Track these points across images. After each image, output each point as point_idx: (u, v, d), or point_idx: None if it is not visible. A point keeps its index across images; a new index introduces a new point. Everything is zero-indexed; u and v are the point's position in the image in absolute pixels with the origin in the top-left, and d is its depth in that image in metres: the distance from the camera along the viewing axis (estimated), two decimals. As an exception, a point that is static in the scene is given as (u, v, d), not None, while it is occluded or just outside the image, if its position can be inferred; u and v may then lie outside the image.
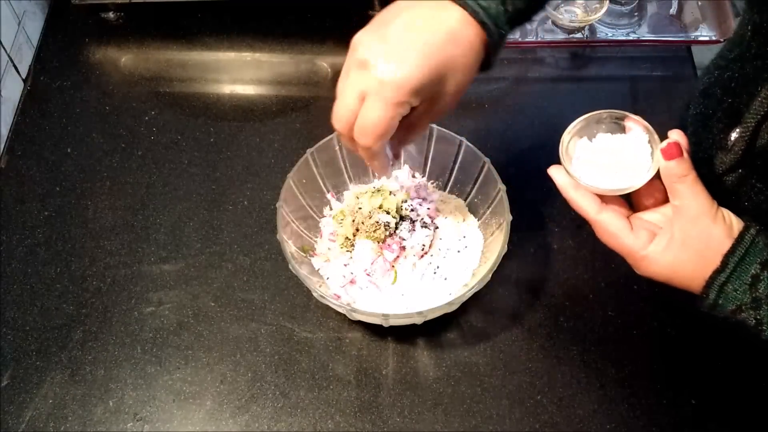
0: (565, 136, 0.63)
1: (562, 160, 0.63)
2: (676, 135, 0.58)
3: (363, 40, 0.57)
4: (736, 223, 0.58)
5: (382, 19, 0.58)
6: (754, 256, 0.56)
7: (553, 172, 0.63)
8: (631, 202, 0.63)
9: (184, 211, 0.87)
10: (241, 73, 0.99)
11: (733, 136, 0.65)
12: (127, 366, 0.77)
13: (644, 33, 0.98)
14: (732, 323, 0.59)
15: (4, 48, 0.92)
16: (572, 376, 0.76)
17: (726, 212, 0.58)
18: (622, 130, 0.63)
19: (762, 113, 0.60)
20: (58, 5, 1.04)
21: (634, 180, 0.60)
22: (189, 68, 1.00)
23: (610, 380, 0.76)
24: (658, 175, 0.59)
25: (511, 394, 0.75)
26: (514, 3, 0.57)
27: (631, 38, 0.98)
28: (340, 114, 0.59)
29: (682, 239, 0.58)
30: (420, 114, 0.59)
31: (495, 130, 0.93)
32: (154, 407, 0.75)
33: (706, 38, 0.96)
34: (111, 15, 1.03)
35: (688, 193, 0.57)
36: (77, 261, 0.84)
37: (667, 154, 0.57)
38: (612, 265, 0.82)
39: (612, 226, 0.60)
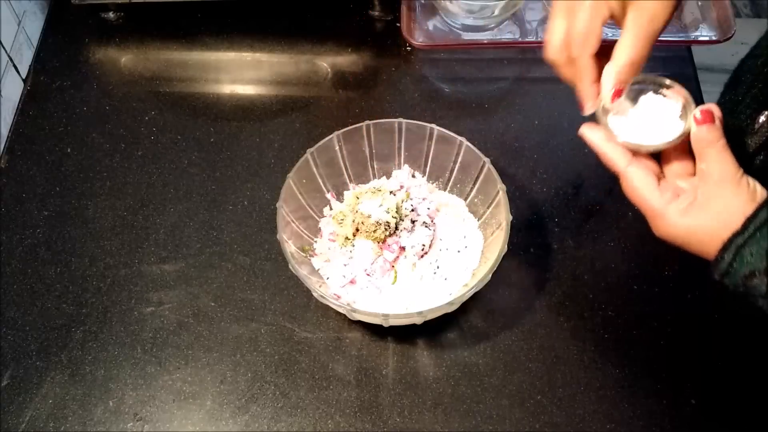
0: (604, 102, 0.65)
1: (598, 114, 0.64)
2: (710, 105, 0.59)
3: None
4: (761, 190, 0.58)
5: None
6: None
7: (586, 130, 0.64)
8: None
9: (184, 211, 0.87)
10: (241, 73, 0.99)
11: (761, 119, 0.65)
12: (127, 366, 0.77)
13: (644, 33, 0.98)
14: (740, 293, 0.58)
15: (4, 48, 0.92)
16: (572, 376, 0.76)
17: (751, 180, 0.59)
18: (661, 94, 0.64)
19: None
20: (58, 5, 1.04)
21: (667, 136, 0.61)
22: (189, 68, 1.00)
23: (610, 380, 0.76)
24: (689, 145, 0.60)
25: (511, 394, 0.75)
26: None
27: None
28: (554, 36, 0.62)
29: (703, 202, 0.58)
30: (627, 31, 0.60)
31: (495, 130, 0.93)
32: (154, 407, 0.75)
33: (706, 38, 0.96)
34: (111, 15, 1.03)
35: (715, 156, 0.58)
36: (77, 261, 0.84)
37: (700, 120, 0.58)
38: (612, 265, 0.82)
39: (638, 180, 0.61)
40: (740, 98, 0.70)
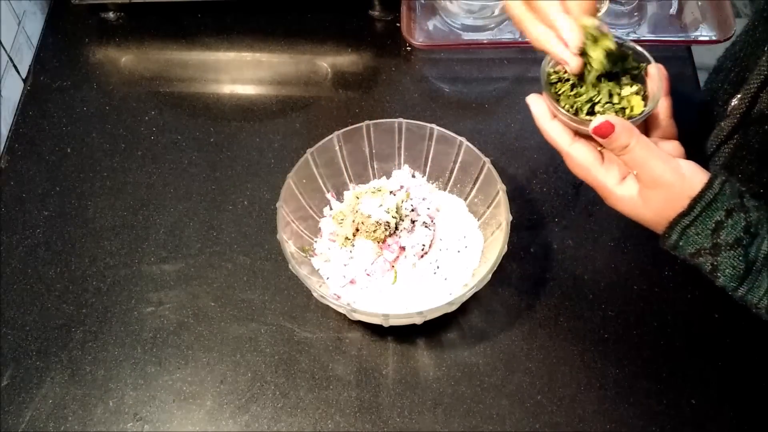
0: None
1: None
2: (603, 118, 0.58)
3: None
4: (700, 172, 0.58)
5: None
6: (722, 202, 0.56)
7: (531, 100, 0.63)
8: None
9: (184, 211, 0.87)
10: (241, 73, 0.99)
11: (734, 102, 0.66)
12: (127, 366, 0.77)
13: (644, 33, 0.98)
14: (690, 265, 0.60)
15: (4, 48, 0.92)
16: (572, 376, 0.76)
17: (686, 163, 0.59)
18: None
19: (764, 75, 0.61)
20: (58, 5, 1.04)
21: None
22: (189, 68, 1.00)
23: (610, 380, 0.76)
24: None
25: (511, 394, 0.75)
26: None
27: (631, 38, 0.98)
28: None
29: (645, 198, 0.59)
30: None
31: (495, 130, 0.93)
32: (154, 407, 0.75)
33: (706, 38, 0.96)
34: (111, 15, 1.03)
35: (637, 163, 0.58)
36: (77, 261, 0.84)
37: (600, 134, 0.58)
38: (612, 265, 0.82)
39: (582, 158, 0.61)
40: (719, 84, 0.70)
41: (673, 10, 1.01)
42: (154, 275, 0.83)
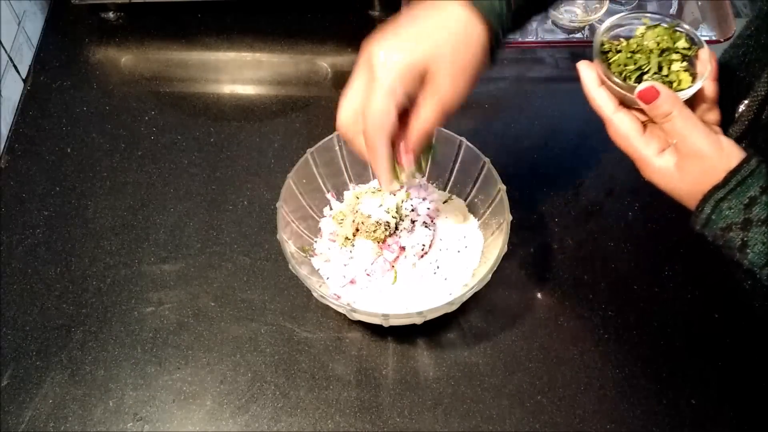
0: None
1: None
2: (649, 83, 0.59)
3: (371, 41, 0.60)
4: (739, 149, 0.59)
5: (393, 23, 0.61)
6: (758, 179, 0.57)
7: (582, 66, 0.64)
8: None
9: (184, 211, 0.87)
10: (241, 73, 0.99)
11: (741, 107, 0.66)
12: (127, 366, 0.77)
13: (644, 33, 0.98)
14: (718, 247, 0.60)
15: (4, 48, 0.92)
16: (572, 376, 0.76)
17: (726, 139, 0.59)
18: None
19: None
20: (58, 5, 1.04)
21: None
22: (189, 68, 1.00)
23: (610, 380, 0.76)
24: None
25: (511, 394, 0.75)
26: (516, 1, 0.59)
27: (631, 38, 0.98)
28: (344, 112, 0.62)
29: (682, 170, 0.59)
30: (423, 106, 0.61)
31: (495, 130, 0.93)
32: (154, 407, 0.75)
33: (706, 38, 0.96)
34: (111, 15, 1.03)
35: (678, 132, 0.59)
36: (77, 261, 0.84)
37: (644, 99, 0.59)
38: (612, 265, 0.82)
39: (624, 127, 0.62)
40: (724, 86, 0.70)
41: (673, 10, 1.01)
42: (154, 275, 0.83)
